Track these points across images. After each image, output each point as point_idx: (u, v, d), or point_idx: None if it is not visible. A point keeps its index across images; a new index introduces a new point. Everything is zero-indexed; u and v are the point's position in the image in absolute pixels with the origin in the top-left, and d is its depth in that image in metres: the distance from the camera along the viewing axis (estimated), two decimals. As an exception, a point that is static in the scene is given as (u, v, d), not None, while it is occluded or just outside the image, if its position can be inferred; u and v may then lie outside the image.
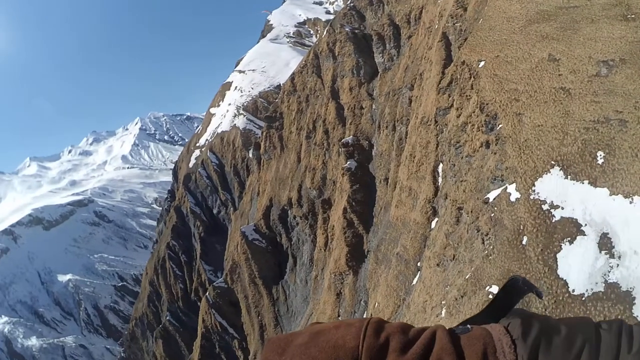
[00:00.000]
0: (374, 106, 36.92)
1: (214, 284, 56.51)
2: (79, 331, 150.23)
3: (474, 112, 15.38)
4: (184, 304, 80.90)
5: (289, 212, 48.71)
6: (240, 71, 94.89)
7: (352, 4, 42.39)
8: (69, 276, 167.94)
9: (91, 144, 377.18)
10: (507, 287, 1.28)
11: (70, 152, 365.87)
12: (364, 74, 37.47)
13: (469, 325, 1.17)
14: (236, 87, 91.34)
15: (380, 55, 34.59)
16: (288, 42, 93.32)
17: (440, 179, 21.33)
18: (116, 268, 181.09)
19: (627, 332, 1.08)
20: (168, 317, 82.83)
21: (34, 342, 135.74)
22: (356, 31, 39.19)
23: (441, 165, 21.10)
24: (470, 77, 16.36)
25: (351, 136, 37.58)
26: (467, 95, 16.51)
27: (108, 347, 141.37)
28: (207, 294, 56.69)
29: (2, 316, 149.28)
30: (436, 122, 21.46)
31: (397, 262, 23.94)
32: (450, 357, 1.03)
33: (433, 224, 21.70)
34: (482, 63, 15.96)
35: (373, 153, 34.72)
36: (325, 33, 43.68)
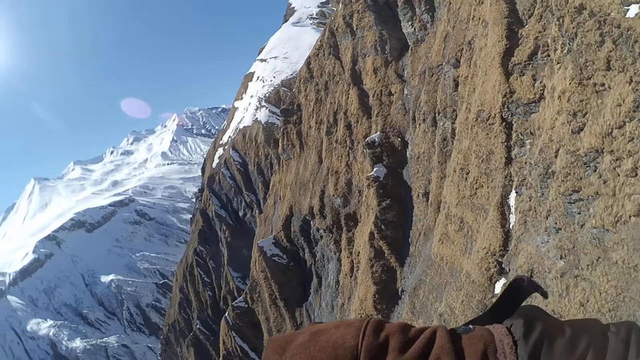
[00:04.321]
0: (405, 91, 28.20)
1: (233, 303, 50.12)
2: (122, 330, 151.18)
3: (621, 110, 6.82)
4: (213, 312, 76.27)
5: (311, 223, 41.01)
6: (262, 60, 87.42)
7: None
8: (111, 276, 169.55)
9: (132, 143, 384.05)
10: (511, 287, 1.24)
11: (112, 153, 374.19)
12: (391, 50, 28.68)
13: (470, 326, 1.13)
14: (258, 77, 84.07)
15: (409, 23, 25.69)
16: (311, 24, 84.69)
17: (512, 219, 12.82)
18: (157, 265, 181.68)
19: (636, 335, 1.01)
20: (198, 325, 79.15)
21: (77, 343, 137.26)
22: (378, -4, 30.37)
23: (515, 195, 12.59)
24: (602, 40, 7.70)
25: (378, 132, 29.14)
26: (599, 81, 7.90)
27: (150, 345, 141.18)
28: (226, 314, 50.49)
29: (48, 320, 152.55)
30: (505, 121, 12.87)
31: (440, 324, 15.53)
32: (449, 357, 1.00)
33: (498, 288, 13.59)
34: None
35: (407, 154, 26.17)
36: (340, 6, 35.06)
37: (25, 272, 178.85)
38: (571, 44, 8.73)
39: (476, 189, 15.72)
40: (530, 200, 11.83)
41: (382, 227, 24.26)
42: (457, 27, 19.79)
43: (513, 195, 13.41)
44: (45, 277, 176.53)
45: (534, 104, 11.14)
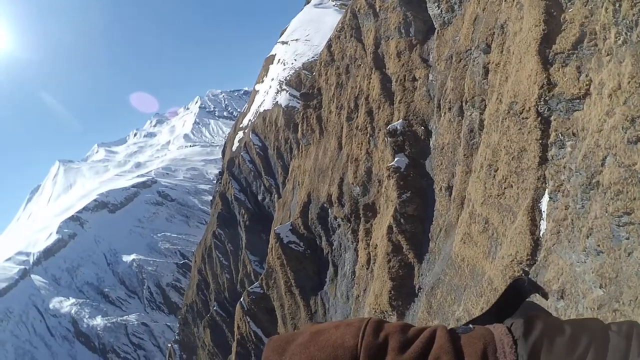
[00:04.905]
0: (430, 76, 26.67)
1: (249, 289, 50.02)
2: (142, 309, 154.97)
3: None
4: (230, 295, 77.07)
5: (329, 211, 40.08)
6: (283, 42, 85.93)
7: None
8: (133, 256, 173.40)
9: (154, 125, 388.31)
10: (512, 287, 1.24)
11: (135, 135, 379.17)
12: (415, 33, 27.08)
13: (470, 325, 1.14)
14: (279, 60, 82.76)
15: (436, 4, 24.02)
16: (333, 5, 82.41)
17: (543, 226, 11.61)
18: (178, 246, 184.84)
19: (637, 334, 1.00)
20: (215, 307, 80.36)
21: (98, 321, 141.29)
22: (403, -25, 28.62)
23: (548, 199, 11.34)
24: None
25: (400, 120, 27.83)
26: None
27: (169, 324, 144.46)
28: (241, 299, 50.45)
29: (70, 298, 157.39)
30: (541, 115, 11.56)
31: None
32: (448, 356, 1.00)
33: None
34: None
35: (431, 145, 24.82)
36: (364, -16, 33.43)
37: (49, 252, 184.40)
38: (629, 34, 7.39)
39: (504, 188, 14.45)
40: (566, 209, 10.55)
41: (402, 220, 23.13)
42: (488, 9, 18.20)
43: (546, 199, 12.12)
44: (68, 256, 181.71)
45: (577, 101, 9.77)
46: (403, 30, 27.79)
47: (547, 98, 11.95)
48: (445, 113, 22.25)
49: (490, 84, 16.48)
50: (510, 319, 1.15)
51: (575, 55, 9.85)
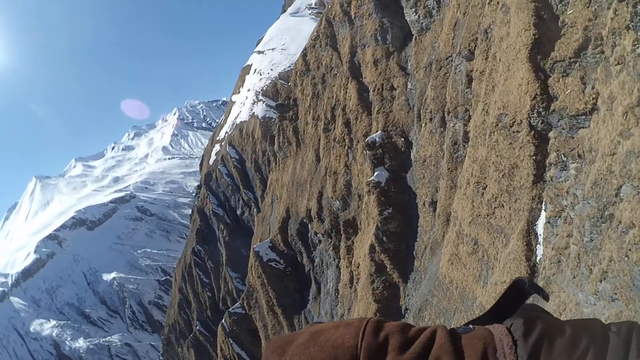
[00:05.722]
0: (409, 85, 25.49)
1: (230, 310, 47.92)
2: (125, 329, 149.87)
3: None
4: (213, 314, 74.49)
5: (309, 226, 38.49)
6: (259, 52, 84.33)
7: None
8: (113, 274, 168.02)
9: (132, 138, 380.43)
10: (512, 288, 1.23)
11: (113, 148, 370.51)
12: (393, 40, 25.89)
13: (470, 325, 1.13)
14: (255, 69, 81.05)
15: (413, 10, 22.88)
16: (310, 13, 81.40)
17: (540, 251, 10.36)
18: (159, 262, 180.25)
19: (637, 335, 0.99)
20: (198, 326, 77.72)
21: (81, 343, 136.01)
22: (377, -20, 27.51)
23: (545, 222, 10.07)
24: None
25: (379, 131, 26.55)
26: None
27: (152, 343, 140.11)
28: (223, 320, 48.29)
29: (51, 320, 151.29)
30: (534, 129, 10.31)
31: None
32: (448, 357, 1.00)
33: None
34: None
35: (412, 157, 23.54)
36: (338, -10, 32.28)
37: (27, 273, 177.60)
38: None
39: (495, 208, 13.14)
40: (568, 237, 9.23)
41: (384, 239, 21.70)
42: (470, 13, 17.02)
43: (542, 221, 10.82)
44: (47, 277, 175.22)
45: (583, 117, 8.47)
46: (379, 38, 26.60)
47: (540, 110, 10.68)
48: (426, 124, 21.00)
49: (474, 93, 15.24)
50: (510, 319, 1.12)
51: (578, 64, 8.59)
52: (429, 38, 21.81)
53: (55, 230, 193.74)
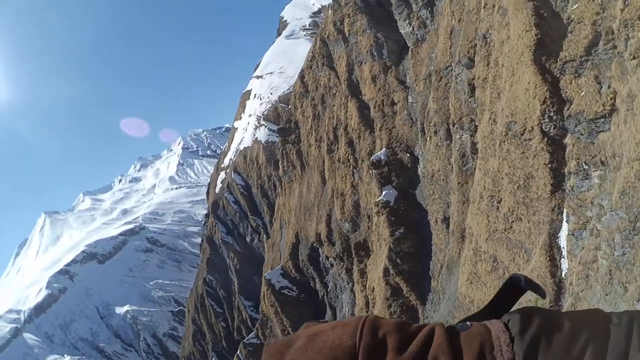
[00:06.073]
0: (410, 99, 24.87)
1: (245, 340, 46.71)
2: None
3: None
4: (228, 344, 72.93)
5: (319, 250, 37.54)
6: (258, 76, 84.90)
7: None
8: (126, 307, 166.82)
9: (139, 170, 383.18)
10: (508, 285, 1.22)
11: (120, 181, 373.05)
12: (389, 54, 25.40)
13: (468, 323, 1.11)
14: (255, 94, 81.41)
15: (407, 22, 22.45)
16: (304, 35, 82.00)
17: (565, 265, 9.50)
18: (172, 293, 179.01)
19: (639, 326, 0.97)
20: (214, 358, 76.41)
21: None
22: (368, -4, 27.28)
23: (568, 234, 9.21)
24: None
25: (384, 149, 25.86)
26: None
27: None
28: (238, 352, 46.99)
29: (65, 356, 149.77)
30: (546, 135, 9.56)
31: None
32: (446, 356, 0.99)
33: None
34: None
35: (419, 172, 22.73)
36: (330, 12, 32.12)
37: (39, 309, 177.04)
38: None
39: (512, 222, 12.28)
40: (596, 250, 8.37)
41: (398, 260, 20.76)
42: (465, 19, 16.46)
43: (564, 233, 9.96)
44: (60, 312, 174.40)
45: (602, 120, 7.73)
46: (375, 53, 26.16)
47: (552, 115, 9.92)
48: (431, 137, 20.28)
49: (479, 102, 14.54)
50: (507, 314, 1.10)
51: (590, 63, 7.89)
52: (426, 49, 21.28)
53: (66, 265, 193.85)
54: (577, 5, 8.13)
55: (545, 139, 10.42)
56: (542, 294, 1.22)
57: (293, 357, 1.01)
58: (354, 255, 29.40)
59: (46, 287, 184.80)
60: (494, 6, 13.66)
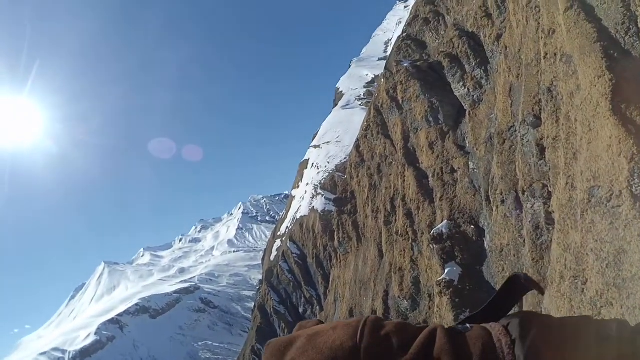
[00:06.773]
0: (471, 165, 23.24)
1: None
2: None
3: None
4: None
5: (373, 326, 34.74)
6: (315, 146, 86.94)
7: (404, 34, 30.60)
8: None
9: (199, 231, 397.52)
10: (508, 284, 1.25)
11: (181, 240, 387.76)
12: (445, 119, 24.33)
13: (468, 325, 1.13)
14: (312, 163, 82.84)
15: (461, 84, 21.55)
16: (360, 104, 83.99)
17: None
18: (220, 356, 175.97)
19: (629, 332, 1.03)
20: None
21: None
22: (418, 63, 26.93)
23: None
24: None
25: (445, 220, 23.95)
26: None
27: None
28: None
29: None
30: (639, 200, 7.78)
31: None
32: (449, 357, 1.00)
33: None
34: None
35: (486, 246, 20.51)
36: (382, 80, 32.20)
37: (85, 352, 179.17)
38: None
39: (601, 307, 10.01)
40: None
41: (460, 346, 18.16)
42: (525, 73, 15.20)
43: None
44: (105, 359, 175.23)
45: None
46: (431, 119, 25.21)
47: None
48: (497, 207, 18.33)
49: (551, 164, 12.81)
50: (506, 318, 1.12)
51: None
52: (484, 110, 20.04)
53: (118, 315, 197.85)
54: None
55: (638, 205, 8.61)
56: (542, 291, 1.23)
57: (293, 356, 1.01)
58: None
59: (95, 333, 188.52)
60: (555, 54, 12.36)
